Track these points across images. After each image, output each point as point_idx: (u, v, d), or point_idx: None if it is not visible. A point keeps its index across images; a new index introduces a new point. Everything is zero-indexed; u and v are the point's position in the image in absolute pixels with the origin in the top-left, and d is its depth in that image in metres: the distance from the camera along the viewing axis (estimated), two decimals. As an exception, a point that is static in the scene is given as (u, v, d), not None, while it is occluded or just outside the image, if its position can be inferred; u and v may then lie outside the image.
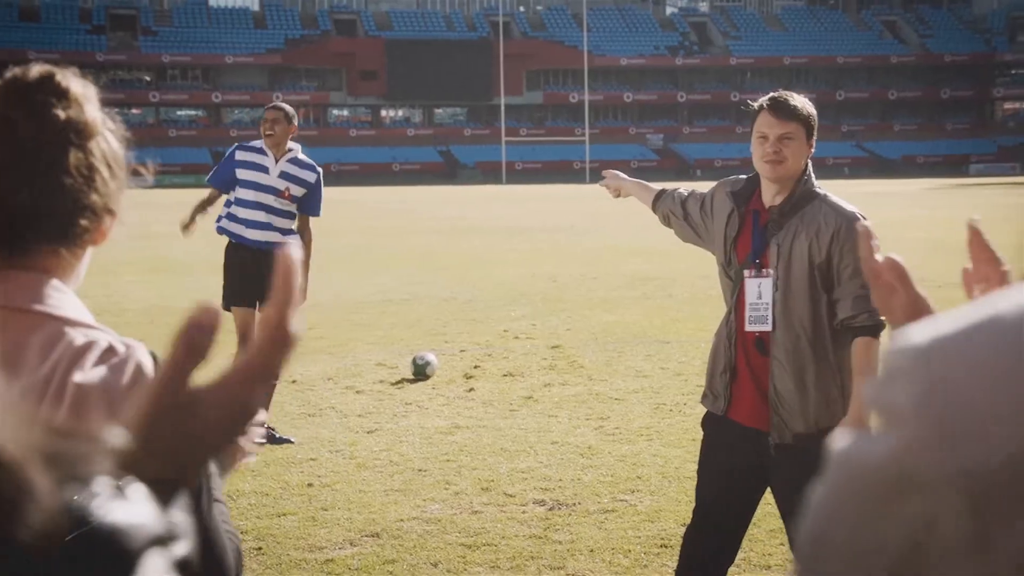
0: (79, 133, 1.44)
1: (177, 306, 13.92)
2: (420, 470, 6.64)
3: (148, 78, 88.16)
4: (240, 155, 7.64)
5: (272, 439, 7.29)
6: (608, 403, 8.41)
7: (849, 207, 3.76)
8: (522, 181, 79.53)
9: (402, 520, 5.72)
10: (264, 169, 7.56)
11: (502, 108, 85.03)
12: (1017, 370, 0.70)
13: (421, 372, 9.27)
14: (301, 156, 7.66)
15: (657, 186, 4.43)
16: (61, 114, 1.43)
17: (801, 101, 3.76)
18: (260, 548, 5.34)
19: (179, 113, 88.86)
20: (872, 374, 3.58)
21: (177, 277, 17.35)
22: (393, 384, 9.13)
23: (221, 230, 7.72)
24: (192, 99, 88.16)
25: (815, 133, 3.80)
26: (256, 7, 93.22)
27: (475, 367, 9.80)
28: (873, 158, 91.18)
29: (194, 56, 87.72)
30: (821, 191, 3.79)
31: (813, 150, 3.79)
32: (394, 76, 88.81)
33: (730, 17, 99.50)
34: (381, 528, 5.60)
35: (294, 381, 9.24)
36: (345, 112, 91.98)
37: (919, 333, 0.75)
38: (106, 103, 1.53)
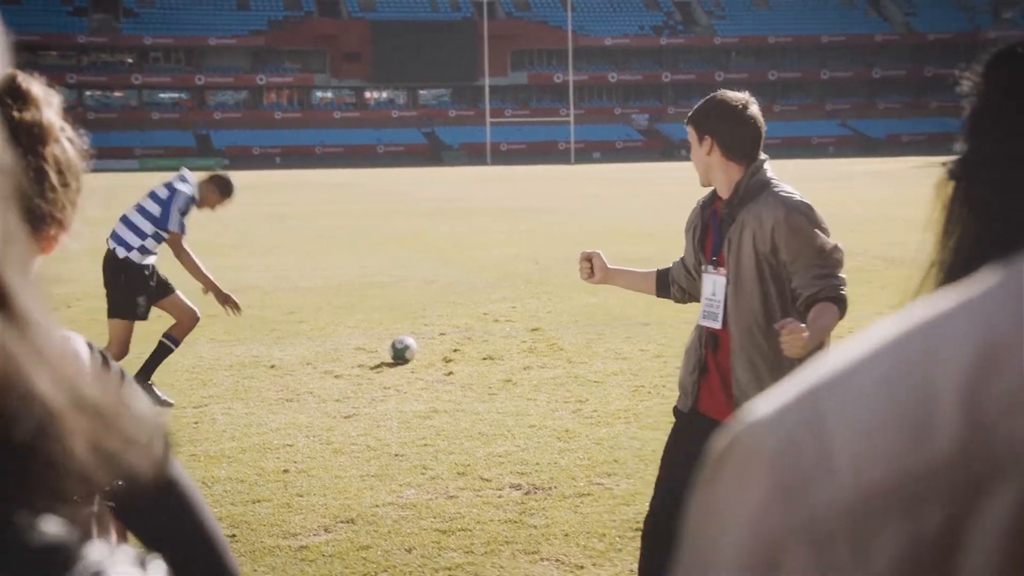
0: (32, 136, 1.41)
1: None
2: (397, 455, 6.62)
3: (130, 60, 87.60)
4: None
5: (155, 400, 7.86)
6: (587, 386, 8.40)
7: (795, 196, 3.71)
8: (507, 162, 79.41)
9: (377, 506, 5.70)
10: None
11: (486, 89, 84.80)
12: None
13: (400, 356, 9.24)
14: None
15: (647, 269, 4.21)
16: (16, 115, 1.40)
17: (700, 103, 3.79)
18: (234, 535, 5.32)
19: (162, 96, 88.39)
20: (823, 332, 3.54)
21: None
22: (372, 368, 9.11)
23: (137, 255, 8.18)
24: (175, 81, 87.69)
25: (711, 127, 3.71)
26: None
27: (454, 351, 9.78)
28: (858, 137, 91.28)
29: (176, 38, 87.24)
30: (772, 181, 3.75)
31: (716, 146, 3.71)
32: (378, 58, 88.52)
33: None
34: (356, 514, 5.59)
35: (273, 366, 9.22)
36: (329, 94, 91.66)
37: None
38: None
